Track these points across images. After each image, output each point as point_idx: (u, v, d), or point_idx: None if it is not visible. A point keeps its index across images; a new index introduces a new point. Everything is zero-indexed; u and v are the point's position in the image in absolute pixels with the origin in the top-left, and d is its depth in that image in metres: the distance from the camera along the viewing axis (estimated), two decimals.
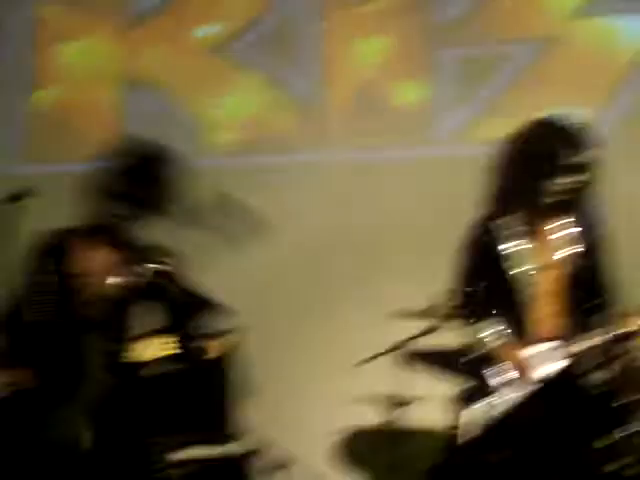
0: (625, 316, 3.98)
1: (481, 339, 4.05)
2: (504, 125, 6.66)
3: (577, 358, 3.92)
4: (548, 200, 4.00)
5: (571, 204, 4.02)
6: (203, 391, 4.76)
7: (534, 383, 3.97)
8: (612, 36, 6.83)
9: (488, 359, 4.04)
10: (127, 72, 7.13)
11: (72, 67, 7.26)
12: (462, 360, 4.15)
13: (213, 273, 6.41)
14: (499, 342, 4.02)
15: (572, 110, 4.09)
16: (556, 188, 3.96)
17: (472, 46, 6.89)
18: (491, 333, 4.03)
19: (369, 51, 6.98)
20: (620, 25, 6.81)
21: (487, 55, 6.88)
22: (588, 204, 4.06)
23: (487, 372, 4.02)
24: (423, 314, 5.27)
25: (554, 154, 3.98)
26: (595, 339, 3.93)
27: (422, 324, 5.24)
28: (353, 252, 6.53)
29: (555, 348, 3.98)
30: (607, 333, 3.92)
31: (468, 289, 4.13)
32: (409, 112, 6.88)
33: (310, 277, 6.49)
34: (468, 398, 4.02)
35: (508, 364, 4.00)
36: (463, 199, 6.29)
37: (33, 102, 7.22)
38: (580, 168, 3.96)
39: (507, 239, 4.07)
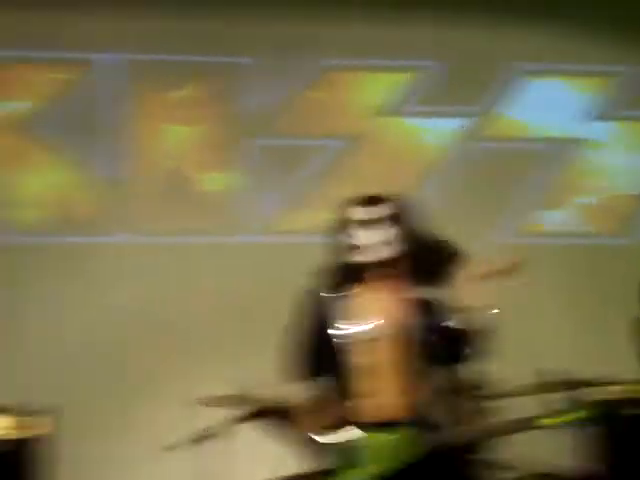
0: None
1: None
2: (310, 217, 6.87)
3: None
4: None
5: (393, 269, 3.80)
6: None
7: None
8: (417, 134, 7.16)
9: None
10: None
11: None
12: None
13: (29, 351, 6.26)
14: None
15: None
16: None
17: (280, 138, 6.98)
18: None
19: (177, 137, 6.93)
20: (425, 125, 7.17)
21: (295, 148, 6.99)
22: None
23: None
24: (237, 400, 5.17)
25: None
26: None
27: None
28: (169, 332, 6.42)
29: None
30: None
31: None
32: (217, 200, 6.86)
33: (130, 357, 6.32)
34: None
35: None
36: (271, 283, 6.38)
37: None
38: (376, 222, 3.86)
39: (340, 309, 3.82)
